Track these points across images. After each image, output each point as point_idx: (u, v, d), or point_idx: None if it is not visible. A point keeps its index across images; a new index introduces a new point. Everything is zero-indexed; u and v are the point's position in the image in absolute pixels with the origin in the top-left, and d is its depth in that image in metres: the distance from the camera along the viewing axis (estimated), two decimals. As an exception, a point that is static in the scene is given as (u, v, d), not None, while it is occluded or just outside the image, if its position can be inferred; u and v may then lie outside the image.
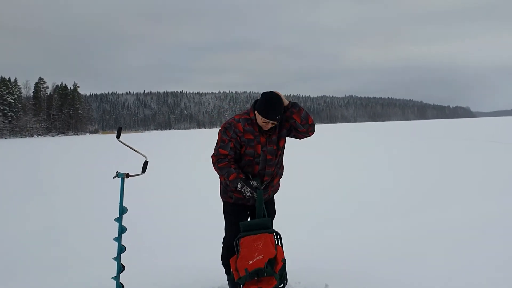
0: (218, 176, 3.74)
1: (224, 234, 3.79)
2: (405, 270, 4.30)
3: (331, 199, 8.33)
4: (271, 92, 3.53)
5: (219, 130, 3.65)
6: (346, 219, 6.66)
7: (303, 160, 15.90)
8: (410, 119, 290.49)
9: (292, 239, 5.01)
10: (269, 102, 3.46)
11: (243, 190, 3.50)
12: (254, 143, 3.59)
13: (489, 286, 3.85)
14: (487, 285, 3.87)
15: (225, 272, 3.83)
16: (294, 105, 3.60)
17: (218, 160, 3.60)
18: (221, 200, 3.81)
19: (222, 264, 3.84)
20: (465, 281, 3.97)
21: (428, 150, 19.78)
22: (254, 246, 3.32)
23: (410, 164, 14.21)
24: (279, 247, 3.44)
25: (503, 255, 4.66)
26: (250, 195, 3.51)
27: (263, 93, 3.55)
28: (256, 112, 3.57)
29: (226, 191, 3.75)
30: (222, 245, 3.82)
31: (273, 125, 3.56)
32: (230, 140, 3.56)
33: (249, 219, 3.79)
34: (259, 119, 3.54)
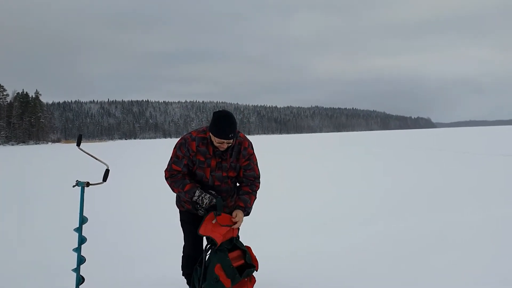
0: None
1: (183, 243, 3.76)
2: (379, 282, 4.37)
3: (305, 208, 8.38)
4: (222, 110, 3.49)
5: (175, 144, 3.58)
6: (321, 227, 6.72)
7: (279, 167, 15.95)
8: (374, 129, 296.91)
9: (269, 245, 5.02)
10: (220, 121, 3.40)
11: (200, 198, 3.41)
12: (205, 165, 3.52)
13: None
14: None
15: (187, 282, 3.77)
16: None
17: (171, 175, 3.55)
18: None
19: (182, 274, 3.79)
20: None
21: (398, 160, 20.21)
22: None
23: (384, 173, 14.47)
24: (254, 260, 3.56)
25: (473, 265, 4.79)
26: (208, 202, 3.40)
27: (214, 113, 3.49)
28: (210, 133, 3.49)
29: (179, 200, 3.73)
30: (182, 254, 3.78)
31: (229, 144, 3.48)
32: (183, 157, 3.51)
33: None
34: (214, 139, 3.46)
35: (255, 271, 3.52)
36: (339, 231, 6.40)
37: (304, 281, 4.29)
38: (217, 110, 3.52)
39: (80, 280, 3.53)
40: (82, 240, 3.49)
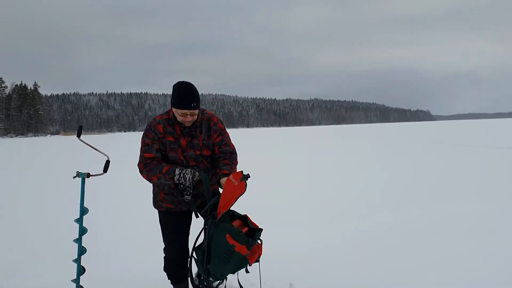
0: (153, 184, 3.50)
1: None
2: (369, 270, 4.40)
3: (293, 200, 8.40)
4: (181, 81, 3.31)
5: (142, 135, 3.40)
6: (309, 219, 6.74)
7: (273, 161, 15.96)
8: (373, 122, 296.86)
9: (269, 235, 5.04)
10: (179, 90, 3.23)
11: (182, 175, 3.18)
12: (175, 146, 3.34)
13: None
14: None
15: (172, 282, 3.66)
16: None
17: (145, 165, 3.31)
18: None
19: (168, 277, 3.67)
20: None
21: (395, 153, 20.21)
22: None
23: (383, 165, 14.49)
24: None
25: (463, 256, 4.82)
26: (191, 177, 3.17)
27: (173, 85, 3.30)
28: (172, 108, 3.31)
29: (156, 200, 3.52)
30: (164, 256, 3.63)
31: (193, 116, 3.28)
32: (153, 143, 3.32)
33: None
34: (177, 113, 3.26)
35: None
36: (340, 223, 6.43)
37: (305, 271, 4.32)
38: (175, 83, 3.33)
39: (81, 270, 3.54)
40: (82, 231, 3.49)
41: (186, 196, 3.30)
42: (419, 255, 4.81)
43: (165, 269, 3.61)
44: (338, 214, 7.01)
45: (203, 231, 3.17)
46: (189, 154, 3.35)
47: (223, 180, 3.19)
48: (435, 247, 5.10)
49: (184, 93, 3.20)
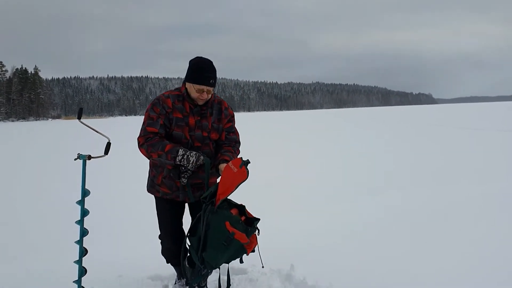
0: (150, 167, 3.37)
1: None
2: (368, 251, 4.42)
3: (298, 183, 8.42)
4: (200, 56, 3.18)
5: (146, 109, 3.20)
6: (311, 202, 6.76)
7: (279, 144, 15.97)
8: (375, 106, 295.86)
9: (261, 223, 5.06)
10: (198, 65, 3.11)
11: (185, 157, 3.01)
12: (183, 123, 3.15)
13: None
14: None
15: (172, 264, 3.62)
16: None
17: (146, 139, 3.10)
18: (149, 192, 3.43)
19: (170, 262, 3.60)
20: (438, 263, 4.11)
21: (397, 137, 20.18)
22: None
23: (384, 149, 14.49)
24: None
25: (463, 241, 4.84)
26: (195, 161, 3.02)
27: (190, 60, 3.17)
28: (186, 84, 3.16)
29: (153, 184, 3.32)
30: (162, 248, 3.56)
31: (209, 94, 3.14)
32: (159, 117, 3.12)
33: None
34: (192, 89, 3.11)
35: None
36: (341, 206, 6.46)
37: (306, 253, 4.34)
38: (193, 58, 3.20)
39: (83, 252, 3.56)
40: (84, 212, 3.50)
41: (183, 179, 3.13)
42: (424, 238, 4.83)
43: (162, 253, 3.57)
44: (340, 197, 7.04)
45: (199, 218, 3.04)
46: (196, 134, 3.17)
47: (222, 166, 3.07)
48: (441, 230, 5.13)
49: (204, 68, 3.08)
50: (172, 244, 3.41)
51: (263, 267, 3.28)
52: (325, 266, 3.95)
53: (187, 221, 3.38)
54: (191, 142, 3.16)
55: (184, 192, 3.20)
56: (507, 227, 5.10)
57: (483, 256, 4.21)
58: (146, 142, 3.07)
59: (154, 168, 3.30)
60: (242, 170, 2.89)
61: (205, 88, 3.08)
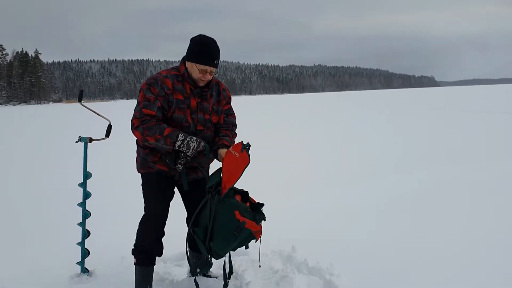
0: (137, 147, 3.11)
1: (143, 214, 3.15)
2: (368, 232, 4.45)
3: (299, 167, 8.43)
4: (203, 35, 2.96)
5: (140, 88, 2.92)
6: (313, 185, 6.79)
7: (277, 129, 15.96)
8: (377, 88, 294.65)
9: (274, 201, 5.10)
10: (203, 43, 2.89)
11: (186, 142, 2.84)
12: (184, 106, 2.92)
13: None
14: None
15: (137, 262, 3.11)
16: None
17: (142, 121, 2.83)
18: (139, 174, 3.15)
19: (133, 252, 3.13)
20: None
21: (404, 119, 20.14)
22: None
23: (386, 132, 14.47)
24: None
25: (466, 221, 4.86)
26: (196, 147, 2.86)
27: (192, 38, 2.94)
28: (187, 63, 2.93)
29: (146, 162, 3.03)
30: (139, 227, 3.14)
31: (211, 75, 2.95)
32: (156, 99, 2.84)
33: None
34: (195, 69, 2.89)
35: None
36: (343, 187, 6.48)
37: (307, 235, 4.37)
38: (195, 36, 2.96)
39: (85, 234, 3.59)
40: (86, 195, 3.53)
41: (179, 165, 2.95)
42: (423, 219, 4.85)
43: (140, 242, 3.10)
44: (340, 180, 7.06)
45: (202, 207, 2.89)
46: (199, 117, 2.98)
47: (222, 152, 2.94)
48: (440, 210, 5.17)
49: (209, 47, 2.89)
50: (157, 230, 3.09)
51: (259, 266, 3.28)
52: (326, 248, 3.98)
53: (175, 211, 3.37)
54: (193, 125, 2.96)
55: (179, 174, 3.04)
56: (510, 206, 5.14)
57: (484, 233, 4.23)
58: (141, 125, 2.82)
59: (146, 147, 3.02)
60: (243, 154, 2.79)
61: (208, 68, 2.89)
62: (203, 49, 2.87)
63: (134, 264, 3.12)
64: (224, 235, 2.79)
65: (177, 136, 2.81)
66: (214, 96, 3.10)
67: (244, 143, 2.85)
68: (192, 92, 2.96)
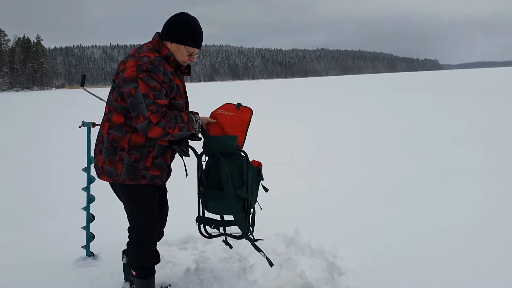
0: (121, 150, 2.56)
1: (131, 234, 2.83)
2: (371, 215, 4.47)
3: (302, 150, 8.44)
4: (185, 13, 2.68)
5: (136, 76, 2.44)
6: (316, 168, 6.80)
7: (283, 111, 15.93)
8: (380, 72, 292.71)
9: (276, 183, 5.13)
10: (192, 25, 2.63)
11: (197, 123, 2.70)
12: (181, 91, 2.68)
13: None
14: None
15: (137, 275, 2.83)
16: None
17: (163, 114, 2.47)
18: (123, 183, 2.61)
19: (130, 267, 2.87)
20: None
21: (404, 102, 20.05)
22: None
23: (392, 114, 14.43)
24: None
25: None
26: (200, 124, 2.74)
27: (176, 17, 2.65)
28: (172, 45, 2.63)
29: (134, 171, 2.57)
30: (132, 249, 2.82)
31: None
32: (162, 86, 2.50)
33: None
34: (182, 52, 2.64)
35: None
36: (349, 170, 6.50)
37: (310, 218, 4.39)
38: (176, 13, 2.68)
39: (90, 218, 3.62)
40: (90, 180, 3.55)
41: (184, 149, 2.73)
42: (426, 200, 4.89)
43: (137, 262, 2.82)
44: (342, 163, 7.07)
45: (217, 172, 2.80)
46: (187, 101, 2.82)
47: (208, 118, 2.87)
48: (443, 192, 5.20)
49: (197, 28, 2.65)
50: (154, 250, 2.84)
51: (272, 265, 3.00)
52: (329, 230, 4.00)
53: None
54: (185, 111, 2.75)
55: (168, 173, 2.84)
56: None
57: (491, 214, 4.25)
58: (164, 118, 2.47)
59: (135, 151, 2.57)
60: (242, 109, 2.85)
61: (196, 50, 2.70)
62: (193, 30, 2.63)
63: (133, 276, 2.88)
64: (254, 184, 2.95)
65: (194, 118, 2.68)
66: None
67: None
68: (178, 75, 2.72)
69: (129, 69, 2.48)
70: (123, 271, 3.17)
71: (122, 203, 2.82)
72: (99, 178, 2.72)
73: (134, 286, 2.95)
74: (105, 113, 2.66)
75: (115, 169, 2.57)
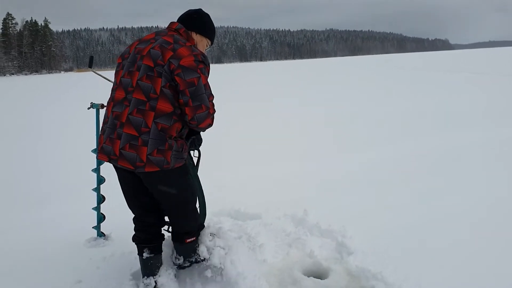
0: (170, 138, 2.48)
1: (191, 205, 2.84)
2: (380, 196, 4.47)
3: (310, 133, 8.42)
4: (199, 9, 2.81)
5: (197, 66, 2.44)
6: (325, 150, 6.79)
7: (283, 96, 15.86)
8: (390, 53, 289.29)
9: (274, 170, 5.16)
10: (211, 21, 2.83)
11: None
12: None
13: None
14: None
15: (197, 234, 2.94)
16: None
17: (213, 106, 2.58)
18: (173, 168, 2.50)
19: (195, 233, 2.91)
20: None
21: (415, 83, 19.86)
22: None
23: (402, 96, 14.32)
24: None
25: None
26: None
27: (202, 12, 2.79)
28: (197, 36, 2.74)
29: (180, 154, 2.54)
30: (193, 216, 2.87)
31: None
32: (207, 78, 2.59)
33: None
34: (203, 45, 2.81)
35: None
36: (356, 152, 6.49)
37: (319, 199, 4.40)
38: (194, 9, 2.81)
39: (101, 199, 3.65)
40: (100, 162, 3.56)
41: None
42: (438, 180, 4.88)
43: (199, 224, 2.97)
44: (355, 144, 7.06)
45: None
46: None
47: None
48: (455, 171, 5.21)
49: (214, 25, 2.88)
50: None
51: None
52: (338, 211, 4.00)
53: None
54: None
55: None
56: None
57: (495, 196, 4.23)
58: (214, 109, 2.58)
59: (180, 137, 2.57)
60: None
61: (210, 45, 2.92)
62: (214, 27, 2.85)
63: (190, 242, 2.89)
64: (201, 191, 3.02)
65: None
66: None
67: None
68: None
69: (186, 58, 2.42)
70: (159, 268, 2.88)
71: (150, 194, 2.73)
72: (141, 170, 2.46)
73: (188, 260, 2.94)
74: (141, 101, 2.43)
75: (165, 157, 2.45)
